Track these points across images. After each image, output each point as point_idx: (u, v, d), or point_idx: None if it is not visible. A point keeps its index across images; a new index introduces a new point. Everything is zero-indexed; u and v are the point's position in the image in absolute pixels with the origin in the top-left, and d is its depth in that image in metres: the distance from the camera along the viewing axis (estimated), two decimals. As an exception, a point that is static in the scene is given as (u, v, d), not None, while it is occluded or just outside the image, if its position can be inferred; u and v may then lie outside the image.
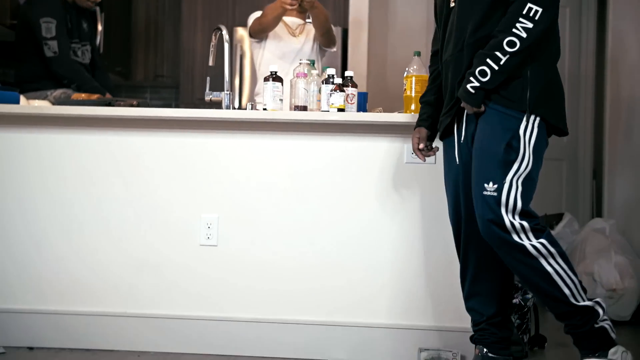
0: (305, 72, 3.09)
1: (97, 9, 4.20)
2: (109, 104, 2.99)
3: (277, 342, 2.86)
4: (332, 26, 3.85)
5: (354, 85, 3.01)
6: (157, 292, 2.93)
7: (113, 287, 2.93)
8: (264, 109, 2.98)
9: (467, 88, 2.34)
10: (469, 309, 2.54)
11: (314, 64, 3.26)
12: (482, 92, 2.33)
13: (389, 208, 2.90)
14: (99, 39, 4.21)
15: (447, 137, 2.55)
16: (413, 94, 2.89)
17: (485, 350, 2.47)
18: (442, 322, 2.85)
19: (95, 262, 2.94)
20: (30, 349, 2.89)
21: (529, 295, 3.14)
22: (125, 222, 2.94)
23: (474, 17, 2.38)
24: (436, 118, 2.58)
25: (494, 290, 2.49)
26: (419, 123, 2.63)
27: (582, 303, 2.33)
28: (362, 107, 3.09)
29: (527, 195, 2.31)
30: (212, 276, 2.92)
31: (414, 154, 2.67)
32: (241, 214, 2.93)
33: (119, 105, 2.98)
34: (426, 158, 2.66)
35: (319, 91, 3.04)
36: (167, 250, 2.93)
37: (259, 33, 3.75)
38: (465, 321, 2.80)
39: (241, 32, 5.58)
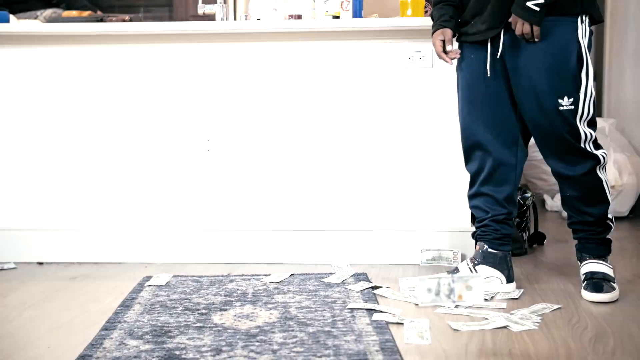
0: (298, -21, 3.04)
1: None
2: (101, 20, 2.96)
3: (281, 249, 2.93)
4: None
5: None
6: (160, 205, 2.98)
7: (117, 202, 2.98)
8: (258, 19, 2.95)
9: (527, 6, 2.25)
10: (473, 207, 2.57)
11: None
12: (544, 9, 2.26)
13: (388, 113, 2.91)
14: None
15: (471, 44, 2.45)
16: (409, -1, 2.86)
17: (485, 246, 2.52)
18: (442, 224, 2.91)
19: (99, 178, 2.98)
20: (40, 264, 2.97)
21: (528, 194, 3.19)
22: (124, 137, 2.97)
23: None
24: (457, 18, 2.47)
25: (504, 191, 2.52)
26: (443, 24, 2.44)
27: (610, 215, 2.47)
28: (357, 14, 3.04)
29: (594, 101, 2.36)
30: (214, 189, 2.97)
31: (440, 57, 2.44)
32: (240, 126, 2.94)
33: (111, 21, 2.95)
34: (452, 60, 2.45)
35: (313, -1, 3.00)
36: (168, 164, 2.97)
37: None
38: (464, 222, 2.86)
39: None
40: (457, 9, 2.48)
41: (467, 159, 2.54)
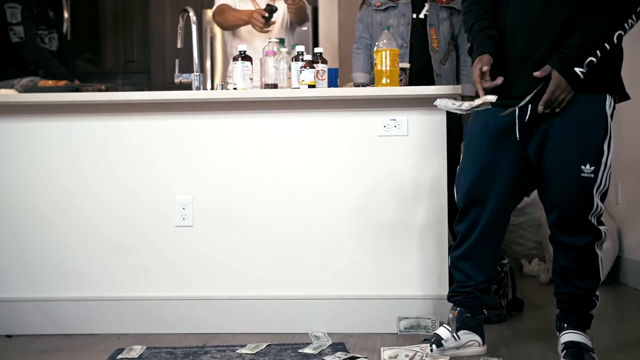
0: (275, 50, 3.09)
1: (62, -5, 4.15)
2: (77, 90, 2.97)
3: (257, 319, 2.89)
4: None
5: (324, 62, 3.01)
6: (134, 274, 2.93)
7: (89, 271, 2.94)
8: (234, 89, 2.98)
9: (575, 72, 2.28)
10: (456, 268, 2.55)
11: (283, 42, 3.26)
12: (583, 80, 2.31)
13: (364, 181, 2.92)
14: (65, 26, 4.16)
15: (498, 106, 2.42)
16: (384, 68, 2.90)
17: (465, 312, 2.51)
18: (420, 291, 2.89)
19: (70, 247, 2.94)
20: (9, 336, 2.89)
21: (505, 261, 3.19)
22: (98, 206, 2.94)
23: (569, 2, 2.33)
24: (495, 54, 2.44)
25: (491, 257, 2.53)
26: (484, 50, 2.41)
27: (597, 292, 2.49)
28: (333, 83, 3.09)
29: (610, 174, 2.40)
30: (189, 257, 2.93)
31: (474, 84, 2.40)
32: (216, 193, 2.93)
33: (87, 91, 2.96)
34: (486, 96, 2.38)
35: (289, 69, 3.04)
36: (142, 233, 2.93)
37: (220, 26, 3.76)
38: (443, 289, 2.84)
39: (210, 14, 5.55)
40: (497, 42, 2.45)
41: (461, 217, 2.53)
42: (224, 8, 3.69)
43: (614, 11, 2.31)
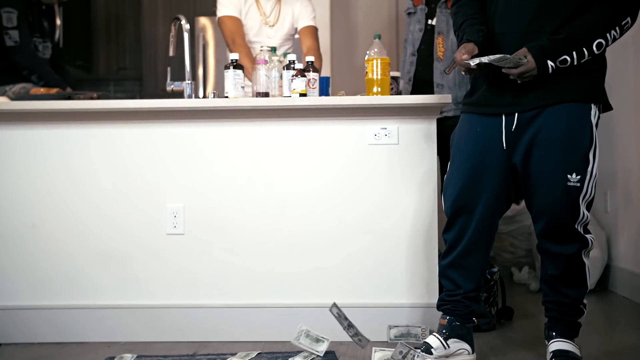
0: (266, 58, 3.10)
1: (55, 4, 4.16)
2: (69, 98, 2.97)
3: (247, 326, 2.89)
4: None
5: (316, 70, 3.03)
6: (124, 282, 2.93)
7: (80, 279, 2.93)
8: (226, 97, 2.99)
9: (547, 64, 2.30)
10: (445, 277, 2.57)
11: (274, 50, 3.27)
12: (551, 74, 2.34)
13: (353, 189, 2.93)
14: (57, 33, 4.16)
15: (485, 115, 2.47)
16: (375, 77, 2.92)
17: (455, 320, 2.52)
18: (410, 299, 2.90)
19: (61, 254, 2.94)
20: (-1, 345, 2.89)
21: (495, 269, 3.20)
22: (90, 214, 2.94)
23: (563, 10, 2.36)
24: (483, 51, 2.43)
25: (479, 266, 2.54)
26: (471, 38, 2.42)
27: (585, 300, 2.51)
28: (324, 92, 3.10)
29: (596, 183, 2.41)
30: (180, 264, 2.93)
31: (463, 68, 2.38)
32: (207, 201, 2.94)
33: (79, 99, 2.96)
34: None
35: (281, 77, 3.05)
36: (134, 241, 2.94)
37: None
38: (432, 297, 2.85)
39: (203, 22, 5.57)
40: (484, 43, 2.45)
41: (449, 226, 2.54)
42: (236, 40, 3.61)
43: (598, 19, 2.34)
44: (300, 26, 3.72)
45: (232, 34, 3.60)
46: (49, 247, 2.94)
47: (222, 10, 3.65)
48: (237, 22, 3.62)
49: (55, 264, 2.94)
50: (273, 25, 3.67)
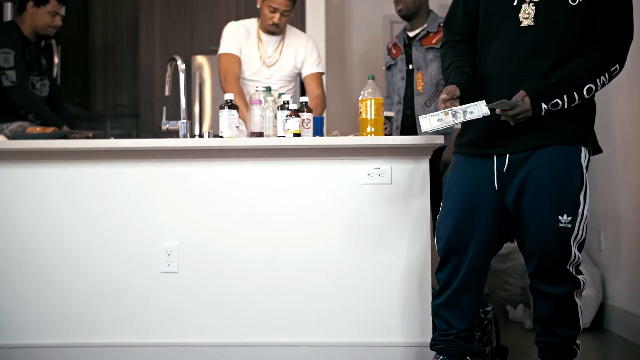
0: (260, 98, 3.13)
1: (54, 41, 4.21)
2: (65, 137, 3.00)
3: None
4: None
5: (310, 111, 3.06)
6: (118, 320, 2.92)
7: (74, 317, 2.93)
8: (221, 136, 3.01)
9: (541, 107, 2.34)
10: (438, 316, 2.57)
11: (269, 90, 3.31)
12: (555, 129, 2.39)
13: (347, 228, 2.94)
14: (55, 71, 4.21)
15: (476, 156, 2.50)
16: (369, 117, 2.95)
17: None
18: (403, 338, 2.89)
19: (54, 292, 2.93)
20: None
21: (489, 308, 3.20)
22: (85, 252, 2.95)
23: (553, 55, 2.41)
24: (465, 92, 2.46)
25: (471, 305, 2.55)
26: (453, 81, 2.46)
27: (578, 341, 2.52)
28: (318, 131, 3.13)
29: (587, 224, 2.44)
30: (174, 303, 2.93)
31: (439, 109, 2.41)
32: (201, 240, 2.95)
33: (75, 138, 2.99)
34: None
35: (275, 117, 3.08)
36: (128, 279, 2.94)
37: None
38: (425, 336, 2.85)
39: (200, 60, 5.62)
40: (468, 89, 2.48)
41: (442, 265, 2.55)
42: (227, 78, 3.64)
43: (589, 65, 2.39)
44: (305, 73, 3.75)
45: (225, 72, 3.64)
46: (42, 285, 2.94)
47: (222, 47, 3.69)
48: (234, 60, 3.65)
49: (48, 302, 2.93)
50: (271, 66, 3.70)
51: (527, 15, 2.43)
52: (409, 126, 3.44)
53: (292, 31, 3.80)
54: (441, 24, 3.47)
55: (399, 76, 3.54)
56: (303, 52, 3.74)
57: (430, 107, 3.42)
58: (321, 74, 3.78)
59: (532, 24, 2.42)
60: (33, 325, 2.93)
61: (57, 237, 2.95)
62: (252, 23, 3.77)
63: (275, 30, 3.65)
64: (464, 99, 2.44)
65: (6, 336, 2.93)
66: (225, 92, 3.50)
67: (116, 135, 6.30)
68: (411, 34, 3.59)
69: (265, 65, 3.69)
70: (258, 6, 3.68)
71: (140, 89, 5.99)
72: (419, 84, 3.46)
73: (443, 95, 2.42)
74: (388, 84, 3.70)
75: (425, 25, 3.56)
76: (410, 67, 3.53)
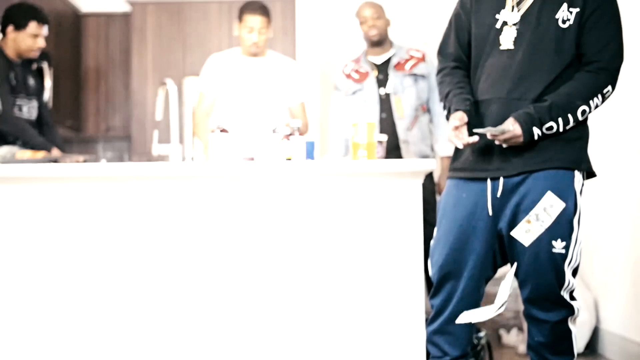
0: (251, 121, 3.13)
1: (45, 64, 4.18)
2: (54, 161, 2.97)
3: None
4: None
5: (302, 134, 3.06)
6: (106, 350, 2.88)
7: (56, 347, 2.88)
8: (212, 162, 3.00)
9: (533, 133, 2.34)
10: (432, 343, 2.56)
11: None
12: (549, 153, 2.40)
13: (338, 253, 2.91)
14: (47, 94, 4.18)
15: (470, 180, 2.50)
16: (361, 140, 2.94)
17: (439, 387, 2.50)
18: (396, 366, 2.86)
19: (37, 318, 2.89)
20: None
21: (482, 333, 3.18)
22: (76, 280, 2.90)
23: (543, 78, 2.41)
24: (470, 123, 2.46)
25: (465, 332, 2.53)
26: (458, 108, 2.46)
27: None
28: (310, 155, 3.12)
29: (581, 250, 2.43)
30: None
31: (453, 138, 2.44)
32: (193, 270, 2.91)
33: (64, 162, 2.96)
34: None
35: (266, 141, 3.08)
36: (115, 308, 2.89)
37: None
38: (419, 363, 2.82)
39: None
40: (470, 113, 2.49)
41: (436, 291, 2.54)
42: (197, 119, 3.72)
43: (582, 88, 2.39)
44: (290, 104, 3.79)
45: (199, 112, 3.68)
46: (28, 318, 2.89)
47: (200, 84, 3.74)
48: (207, 100, 3.71)
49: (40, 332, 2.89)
50: (257, 88, 3.73)
51: (506, 39, 2.45)
52: (391, 148, 3.43)
53: (275, 55, 3.87)
54: (409, 51, 3.52)
55: (371, 101, 3.55)
56: (289, 80, 3.79)
57: (413, 130, 3.46)
58: (304, 103, 3.84)
59: (511, 47, 2.43)
60: None
61: (47, 263, 2.91)
62: (234, 51, 3.85)
63: (257, 50, 3.71)
64: (468, 125, 2.45)
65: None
66: (194, 128, 3.60)
67: (108, 158, 6.27)
68: (378, 61, 3.64)
69: (247, 88, 3.72)
70: (236, 33, 3.73)
71: (132, 112, 5.99)
72: (399, 108, 3.49)
73: (454, 122, 2.42)
74: (339, 110, 3.71)
75: (393, 51, 3.61)
76: (383, 92, 3.55)
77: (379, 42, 3.59)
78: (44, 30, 3.90)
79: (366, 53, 3.70)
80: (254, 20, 3.65)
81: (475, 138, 2.41)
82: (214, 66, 3.79)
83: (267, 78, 3.76)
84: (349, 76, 3.70)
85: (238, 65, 3.74)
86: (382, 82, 3.57)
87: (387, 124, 3.51)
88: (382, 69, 3.57)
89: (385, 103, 3.55)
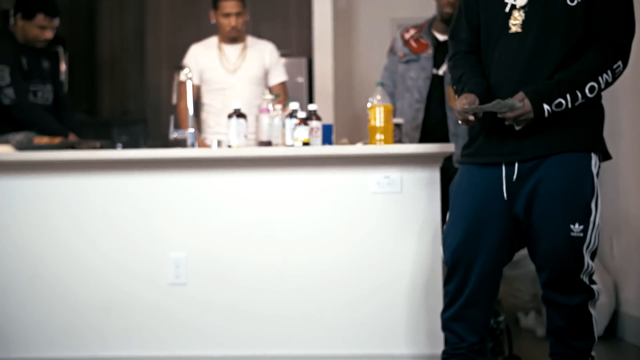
0: (269, 107, 3.11)
1: (61, 48, 4.17)
2: (72, 147, 2.97)
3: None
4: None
5: (318, 119, 3.03)
6: (126, 333, 2.90)
7: (81, 330, 2.91)
8: (229, 146, 2.99)
9: (543, 108, 2.30)
10: (448, 330, 2.53)
11: (277, 97, 3.29)
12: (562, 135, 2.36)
13: (356, 237, 2.91)
14: (62, 77, 4.16)
15: (484, 165, 2.46)
16: (378, 124, 2.92)
17: (458, 373, 2.49)
18: (412, 350, 2.86)
19: (61, 305, 2.92)
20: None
21: (501, 318, 3.16)
22: (91, 264, 2.92)
23: (554, 58, 2.37)
24: (483, 102, 2.39)
25: (482, 317, 2.51)
26: (471, 89, 2.41)
27: (593, 352, 2.47)
28: (327, 140, 3.10)
29: (599, 233, 2.39)
30: (182, 315, 2.90)
31: (461, 117, 2.38)
32: (210, 251, 2.92)
33: (81, 148, 2.97)
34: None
35: (283, 125, 3.05)
36: (135, 291, 2.91)
37: None
38: (435, 347, 2.81)
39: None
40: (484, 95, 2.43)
41: (449, 277, 2.51)
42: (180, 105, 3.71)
43: (590, 64, 2.35)
44: (271, 83, 3.84)
45: (182, 103, 3.64)
46: (49, 297, 2.92)
47: (182, 75, 3.68)
48: (190, 90, 3.68)
49: (57, 315, 2.91)
50: (236, 72, 3.75)
51: (515, 22, 2.41)
52: (431, 131, 3.35)
53: (254, 39, 3.91)
54: None
55: (421, 74, 3.42)
56: (269, 59, 3.84)
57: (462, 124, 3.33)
58: (285, 82, 3.89)
59: (519, 30, 2.40)
60: (41, 338, 2.91)
61: (63, 249, 2.93)
62: (210, 39, 3.90)
63: (236, 34, 3.77)
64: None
65: (15, 349, 2.90)
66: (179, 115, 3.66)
67: (123, 142, 6.27)
68: (441, 38, 3.48)
69: (229, 72, 3.74)
70: (213, 21, 3.77)
71: (147, 96, 5.97)
72: (452, 98, 3.34)
73: (463, 102, 2.38)
74: (392, 73, 3.58)
75: None
76: (439, 72, 3.42)
77: (450, 20, 3.44)
78: (53, 22, 3.87)
79: (431, 25, 3.55)
80: (229, 5, 3.73)
81: (480, 112, 2.37)
82: (194, 56, 3.82)
83: (247, 59, 3.79)
84: (407, 42, 3.54)
85: (215, 50, 3.79)
86: (438, 62, 3.43)
87: (435, 111, 3.37)
88: (442, 49, 3.40)
89: (435, 84, 3.41)
